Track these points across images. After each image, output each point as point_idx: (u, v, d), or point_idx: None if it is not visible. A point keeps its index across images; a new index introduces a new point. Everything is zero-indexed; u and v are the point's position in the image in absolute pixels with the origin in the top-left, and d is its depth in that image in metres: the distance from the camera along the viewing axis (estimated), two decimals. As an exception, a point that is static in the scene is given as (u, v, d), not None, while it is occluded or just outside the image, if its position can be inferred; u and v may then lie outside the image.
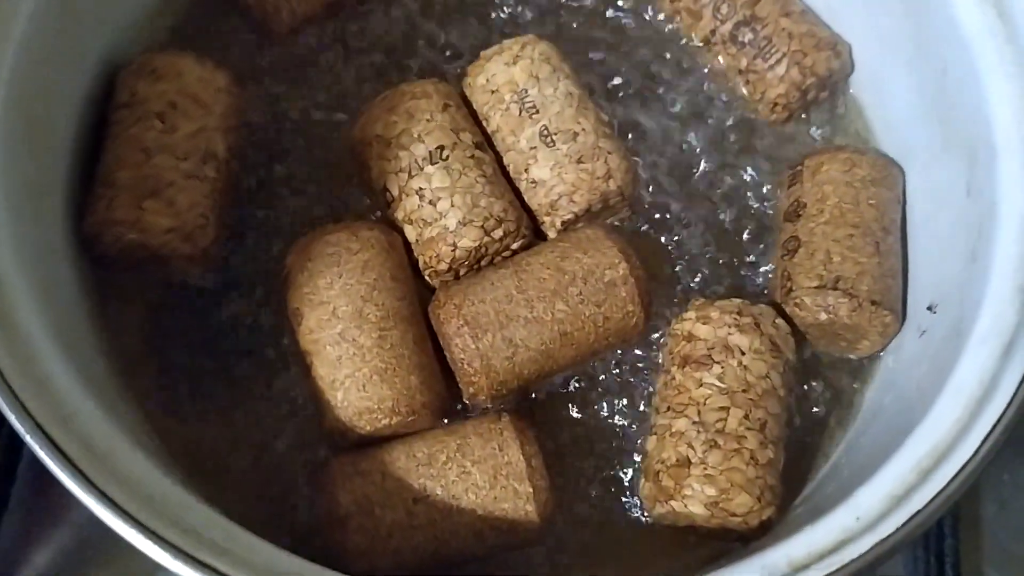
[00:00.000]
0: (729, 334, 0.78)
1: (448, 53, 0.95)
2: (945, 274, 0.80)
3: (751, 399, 0.75)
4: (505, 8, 0.96)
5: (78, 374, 0.66)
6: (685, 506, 0.73)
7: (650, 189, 0.90)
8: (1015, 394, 0.65)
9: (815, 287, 0.81)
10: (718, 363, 0.76)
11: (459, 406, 0.81)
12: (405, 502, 0.72)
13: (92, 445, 0.62)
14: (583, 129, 0.84)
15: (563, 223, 0.84)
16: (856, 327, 0.81)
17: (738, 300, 0.81)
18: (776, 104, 0.92)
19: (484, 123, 0.88)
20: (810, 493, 0.79)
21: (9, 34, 0.74)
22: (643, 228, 0.88)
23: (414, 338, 0.77)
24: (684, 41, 0.96)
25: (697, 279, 0.87)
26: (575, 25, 0.96)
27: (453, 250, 0.80)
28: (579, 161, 0.83)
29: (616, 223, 0.88)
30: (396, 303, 0.77)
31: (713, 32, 0.94)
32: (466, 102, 0.89)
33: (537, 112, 0.85)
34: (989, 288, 0.72)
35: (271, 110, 0.91)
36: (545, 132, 0.84)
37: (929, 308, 0.80)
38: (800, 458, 0.81)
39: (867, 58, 0.93)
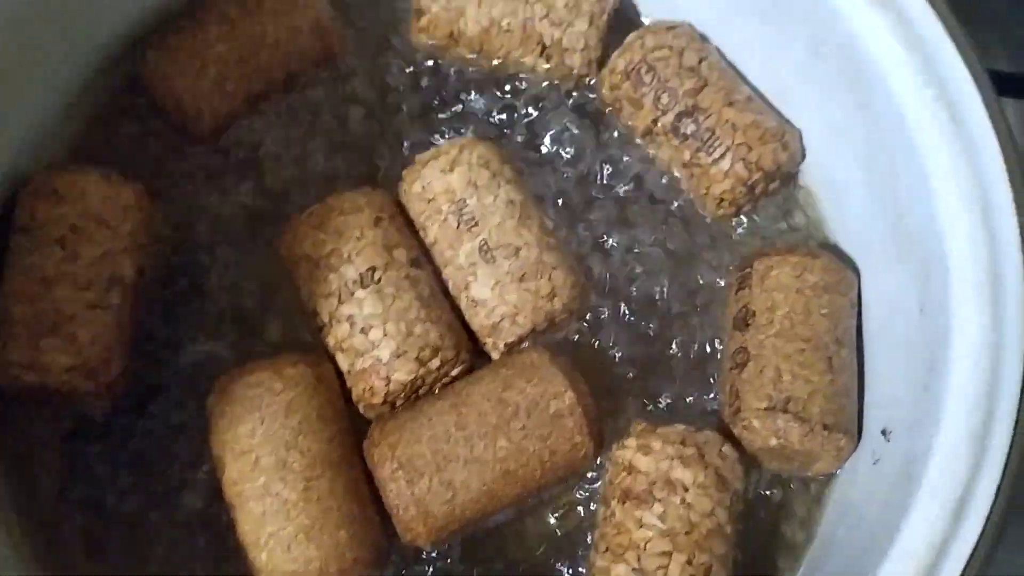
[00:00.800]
0: (671, 468, 0.74)
1: (386, 147, 0.89)
2: (899, 396, 0.77)
3: (695, 541, 0.72)
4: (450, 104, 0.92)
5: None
6: (627, 662, 0.70)
7: (593, 297, 0.86)
8: (966, 566, 0.62)
9: (764, 408, 0.78)
10: (659, 501, 0.73)
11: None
12: None
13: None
14: (525, 243, 0.80)
15: (506, 345, 0.80)
16: (808, 452, 0.78)
17: (681, 427, 0.77)
18: (722, 200, 0.87)
19: (421, 233, 0.83)
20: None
21: None
22: (586, 341, 0.84)
23: (344, 485, 0.73)
24: (625, 133, 0.91)
25: (640, 394, 0.84)
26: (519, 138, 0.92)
27: (387, 384, 0.76)
28: (521, 279, 0.79)
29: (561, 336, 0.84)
30: (323, 447, 0.73)
31: (655, 122, 0.89)
32: (402, 208, 0.84)
33: (476, 225, 0.80)
34: (941, 429, 0.68)
35: (191, 220, 0.85)
36: (485, 247, 0.79)
37: (883, 433, 0.77)
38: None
39: (819, 146, 0.89)
